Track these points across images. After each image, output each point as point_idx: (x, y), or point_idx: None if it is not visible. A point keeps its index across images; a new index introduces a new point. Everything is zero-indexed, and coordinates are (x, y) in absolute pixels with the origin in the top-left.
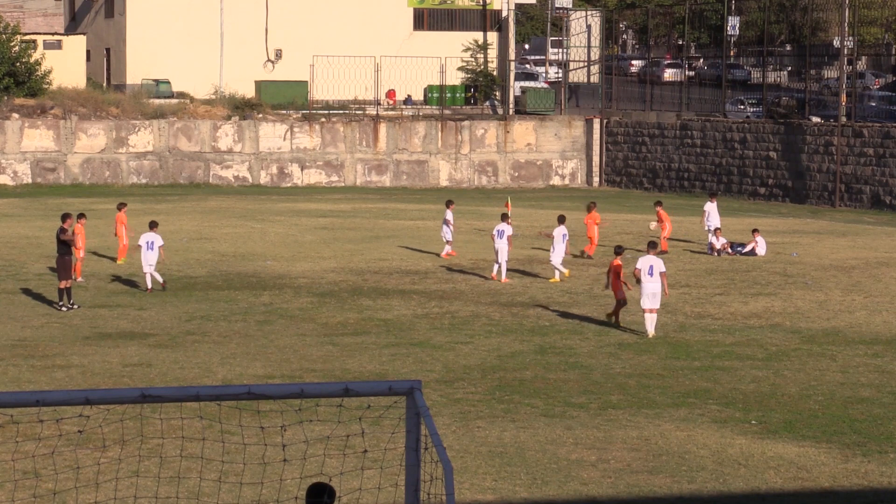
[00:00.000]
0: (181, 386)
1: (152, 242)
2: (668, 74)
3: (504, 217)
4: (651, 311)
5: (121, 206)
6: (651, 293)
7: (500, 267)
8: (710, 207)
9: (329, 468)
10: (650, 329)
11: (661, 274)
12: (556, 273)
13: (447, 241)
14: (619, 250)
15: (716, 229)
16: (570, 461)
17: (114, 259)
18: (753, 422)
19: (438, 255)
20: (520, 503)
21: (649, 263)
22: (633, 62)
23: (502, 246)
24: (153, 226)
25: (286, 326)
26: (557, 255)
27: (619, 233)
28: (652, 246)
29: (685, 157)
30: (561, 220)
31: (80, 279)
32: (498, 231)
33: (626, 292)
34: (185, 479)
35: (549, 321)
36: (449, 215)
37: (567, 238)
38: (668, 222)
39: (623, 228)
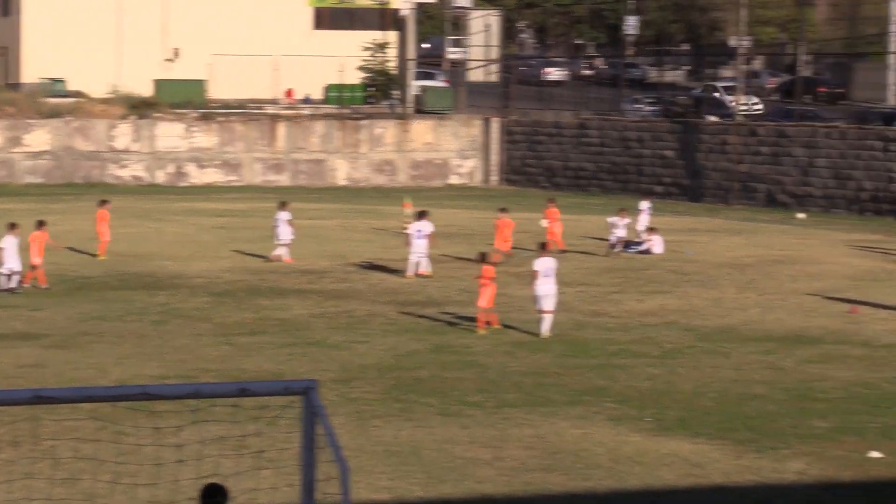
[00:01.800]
0: (76, 387)
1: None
2: (555, 74)
3: (422, 214)
4: (548, 312)
5: (103, 203)
6: (546, 294)
7: (420, 262)
8: (644, 206)
9: (224, 468)
10: (545, 330)
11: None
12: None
13: (281, 244)
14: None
15: (648, 229)
16: (466, 459)
17: (94, 255)
18: (648, 419)
19: (266, 258)
20: (416, 502)
21: (546, 265)
22: (550, 69)
23: (421, 243)
24: (12, 227)
25: (182, 326)
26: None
27: (516, 231)
28: (544, 247)
29: (582, 156)
30: (421, 215)
31: (44, 285)
32: (417, 230)
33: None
34: (79, 480)
35: (445, 320)
36: (283, 216)
37: (426, 234)
38: (558, 221)
39: (522, 227)
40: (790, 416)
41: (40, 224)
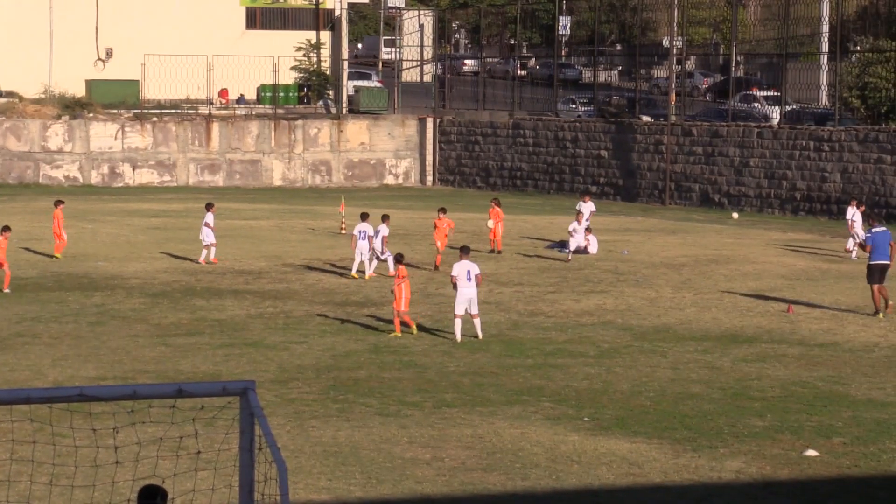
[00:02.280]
0: (11, 389)
1: None
2: (468, 66)
3: (384, 218)
4: (473, 315)
5: (58, 203)
6: (468, 298)
7: (365, 262)
8: (584, 207)
9: (162, 470)
10: (476, 332)
11: (476, 276)
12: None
13: (207, 246)
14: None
15: (585, 229)
16: (405, 460)
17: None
18: (586, 418)
19: (196, 261)
20: (354, 503)
21: (466, 268)
22: (466, 62)
23: (364, 245)
24: None
25: (118, 327)
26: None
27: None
28: (464, 251)
29: (518, 156)
30: (383, 218)
31: (6, 290)
32: (374, 231)
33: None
34: (16, 482)
35: (383, 320)
36: (209, 218)
37: (377, 236)
38: (502, 222)
39: (458, 227)
40: (727, 415)
41: (4, 229)
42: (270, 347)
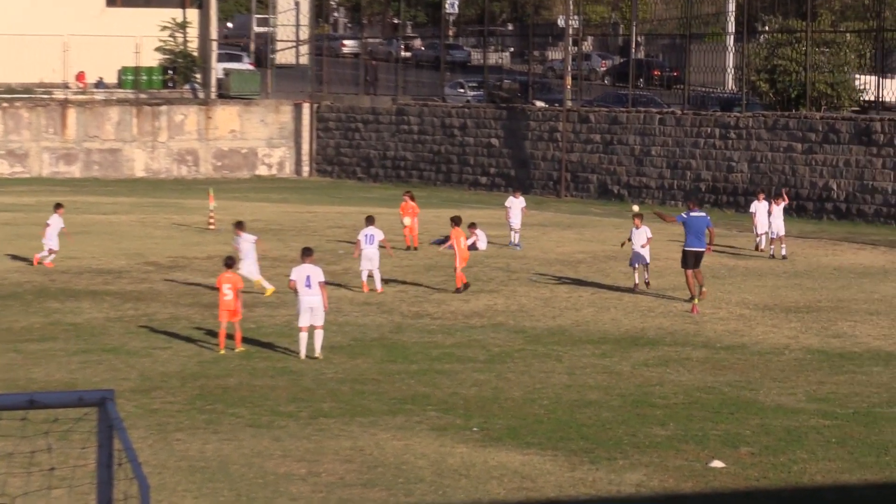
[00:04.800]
0: None
1: None
2: (347, 47)
3: (370, 220)
4: (315, 327)
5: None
6: (309, 307)
7: (373, 275)
8: (514, 203)
9: (12, 488)
10: (314, 349)
11: (320, 284)
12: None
13: (50, 251)
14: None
15: (470, 224)
16: (279, 475)
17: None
18: (475, 429)
19: (35, 262)
20: None
21: (306, 273)
22: (346, 42)
23: (373, 253)
24: None
25: None
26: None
27: (331, 226)
28: (306, 253)
29: (401, 145)
30: (237, 225)
31: None
32: (367, 236)
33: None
34: None
35: (254, 323)
36: (54, 220)
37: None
38: (415, 216)
39: (336, 222)
40: (627, 424)
41: None
42: (131, 354)
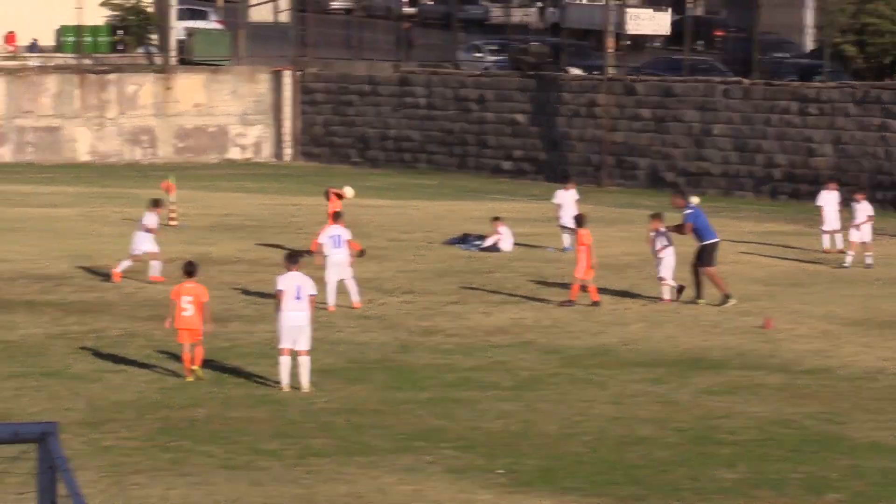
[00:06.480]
0: None
1: None
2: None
3: (337, 216)
4: (299, 353)
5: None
6: (296, 325)
7: (347, 286)
8: (564, 197)
9: None
10: (301, 381)
11: (310, 297)
12: None
13: None
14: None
15: (494, 218)
16: None
17: None
18: (501, 470)
19: None
20: None
21: (295, 284)
22: None
23: (342, 258)
24: None
25: None
26: None
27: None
28: (292, 259)
29: (406, 122)
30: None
31: None
32: (333, 237)
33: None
34: None
35: (228, 340)
36: None
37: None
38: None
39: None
40: (687, 465)
41: None
42: (77, 378)
